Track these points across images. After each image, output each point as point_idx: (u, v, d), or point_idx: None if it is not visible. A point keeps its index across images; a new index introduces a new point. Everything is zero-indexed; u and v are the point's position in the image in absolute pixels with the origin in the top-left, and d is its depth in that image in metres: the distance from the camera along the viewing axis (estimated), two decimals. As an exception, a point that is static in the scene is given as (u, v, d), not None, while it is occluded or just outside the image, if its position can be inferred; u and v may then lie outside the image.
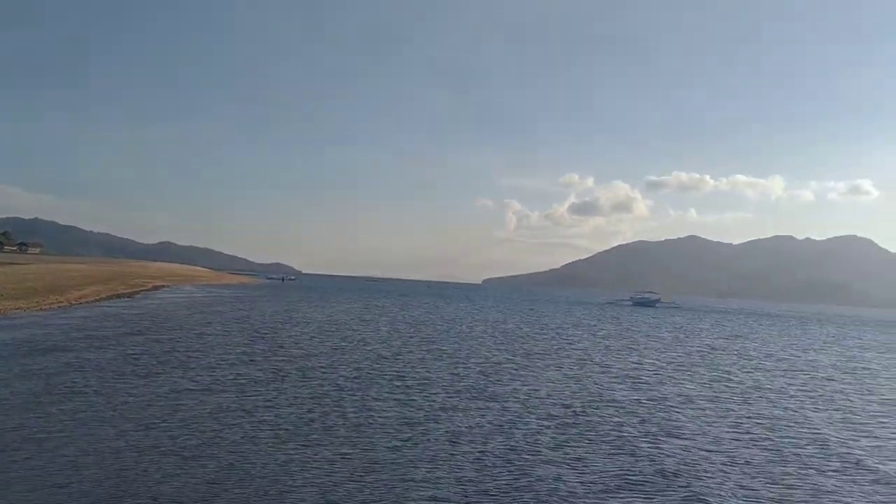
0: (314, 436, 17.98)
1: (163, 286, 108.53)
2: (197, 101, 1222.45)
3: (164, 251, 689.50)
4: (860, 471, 17.51)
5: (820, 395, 30.53)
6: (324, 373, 28.82)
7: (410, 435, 18.60)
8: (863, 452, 19.51)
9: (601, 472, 16.09)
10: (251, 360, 31.31)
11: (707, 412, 24.66)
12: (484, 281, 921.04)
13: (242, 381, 25.53)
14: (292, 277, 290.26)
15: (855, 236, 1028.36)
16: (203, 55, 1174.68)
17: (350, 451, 16.65)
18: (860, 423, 24.14)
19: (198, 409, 20.32)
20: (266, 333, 44.34)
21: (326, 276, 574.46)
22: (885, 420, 25.23)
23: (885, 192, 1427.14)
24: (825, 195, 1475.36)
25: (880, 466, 18.01)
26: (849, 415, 25.86)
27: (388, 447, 17.24)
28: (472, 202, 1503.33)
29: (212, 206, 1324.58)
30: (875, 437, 21.94)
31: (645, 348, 49.79)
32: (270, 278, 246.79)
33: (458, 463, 16.17)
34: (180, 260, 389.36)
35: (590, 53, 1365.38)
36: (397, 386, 26.47)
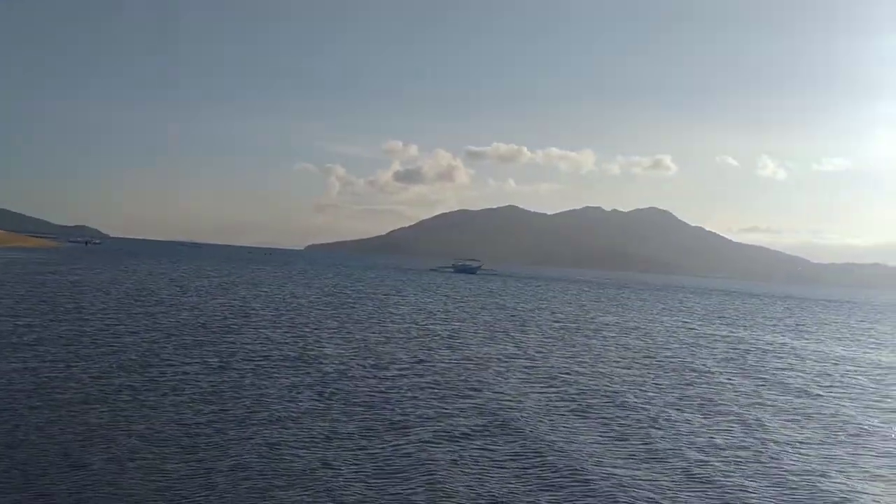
0: (118, 403, 17.16)
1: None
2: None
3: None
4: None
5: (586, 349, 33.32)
6: (129, 339, 27.40)
7: (220, 399, 18.26)
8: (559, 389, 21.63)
9: (412, 425, 16.67)
10: (44, 327, 29.11)
11: (511, 367, 26.18)
12: (307, 247, 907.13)
13: (36, 348, 23.70)
14: (97, 241, 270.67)
15: (656, 208, 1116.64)
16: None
17: (154, 416, 16.08)
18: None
19: (-16, 379, 18.70)
20: (62, 301, 41.28)
21: (137, 240, 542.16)
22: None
23: (682, 168, 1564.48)
24: (630, 169, 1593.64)
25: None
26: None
27: (195, 409, 16.83)
28: (293, 166, 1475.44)
29: (8, 161, 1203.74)
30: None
31: (463, 312, 51.71)
32: (73, 241, 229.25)
33: (265, 426, 16.09)
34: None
35: (416, 22, 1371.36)
36: (208, 352, 25.75)
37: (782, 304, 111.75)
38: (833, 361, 35.87)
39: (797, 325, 63.57)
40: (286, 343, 29.11)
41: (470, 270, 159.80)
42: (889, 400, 24.84)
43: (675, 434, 17.44)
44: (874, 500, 13.39)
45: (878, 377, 30.91)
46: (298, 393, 19.58)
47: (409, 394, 20.40)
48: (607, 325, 48.84)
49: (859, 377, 30.50)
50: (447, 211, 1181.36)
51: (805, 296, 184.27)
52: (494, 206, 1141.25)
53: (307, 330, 34.17)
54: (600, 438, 16.60)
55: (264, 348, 27.26)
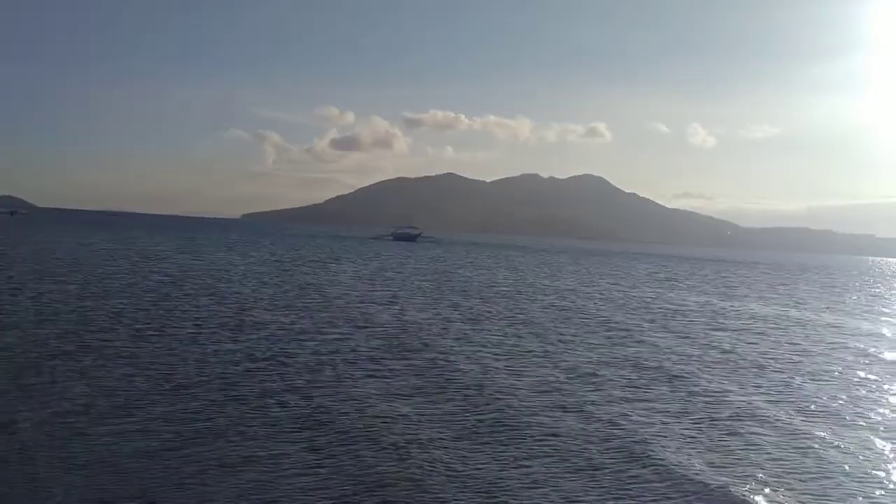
0: (52, 369, 16.90)
1: None
2: None
3: None
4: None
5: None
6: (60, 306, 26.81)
7: (155, 365, 18.17)
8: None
9: (352, 386, 16.94)
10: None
11: (450, 329, 26.69)
12: (243, 216, 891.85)
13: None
14: (23, 211, 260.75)
15: (591, 175, 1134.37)
16: None
17: (88, 381, 15.92)
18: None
19: None
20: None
21: (68, 210, 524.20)
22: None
23: (616, 135, 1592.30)
24: (566, 136, 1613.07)
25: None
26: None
27: (129, 375, 16.73)
28: (225, 133, 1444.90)
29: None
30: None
31: (403, 279, 52.09)
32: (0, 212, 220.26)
33: (200, 390, 16.16)
34: None
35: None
36: (143, 319, 25.43)
37: (710, 268, 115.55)
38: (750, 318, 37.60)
39: (706, 285, 66.02)
40: (223, 310, 28.87)
41: (410, 238, 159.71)
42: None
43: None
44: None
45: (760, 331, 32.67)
46: (236, 358, 19.57)
47: (350, 356, 20.62)
48: (542, 288, 49.89)
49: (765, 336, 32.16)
50: (385, 179, 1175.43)
51: (734, 259, 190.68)
52: (433, 174, 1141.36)
53: (244, 297, 33.93)
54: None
55: (200, 315, 27.01)
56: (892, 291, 76.96)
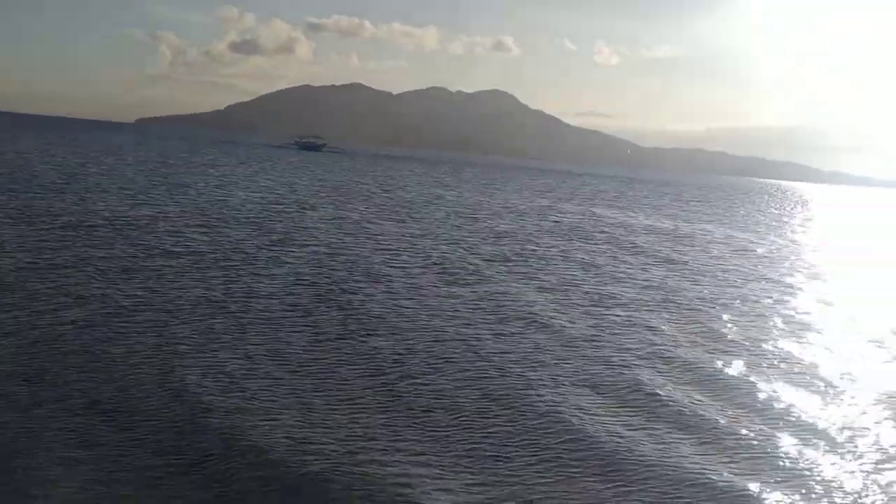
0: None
1: None
2: None
3: None
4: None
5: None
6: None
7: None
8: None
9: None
10: None
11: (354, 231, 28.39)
12: (137, 121, 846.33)
13: None
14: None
15: (499, 90, 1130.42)
16: None
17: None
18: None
19: None
20: None
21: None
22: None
23: (523, 50, 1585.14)
24: (473, 49, 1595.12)
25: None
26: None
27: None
28: (119, 32, 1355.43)
29: None
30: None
31: (304, 185, 52.93)
32: None
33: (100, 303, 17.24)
34: None
35: None
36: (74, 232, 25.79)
37: (596, 183, 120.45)
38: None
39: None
40: (116, 216, 28.53)
41: (314, 147, 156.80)
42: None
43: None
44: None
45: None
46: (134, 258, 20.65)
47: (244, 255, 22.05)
48: (440, 198, 52.15)
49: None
50: (289, 86, 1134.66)
51: (630, 177, 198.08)
52: (339, 83, 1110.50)
53: (142, 199, 34.26)
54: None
55: (96, 219, 27.17)
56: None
